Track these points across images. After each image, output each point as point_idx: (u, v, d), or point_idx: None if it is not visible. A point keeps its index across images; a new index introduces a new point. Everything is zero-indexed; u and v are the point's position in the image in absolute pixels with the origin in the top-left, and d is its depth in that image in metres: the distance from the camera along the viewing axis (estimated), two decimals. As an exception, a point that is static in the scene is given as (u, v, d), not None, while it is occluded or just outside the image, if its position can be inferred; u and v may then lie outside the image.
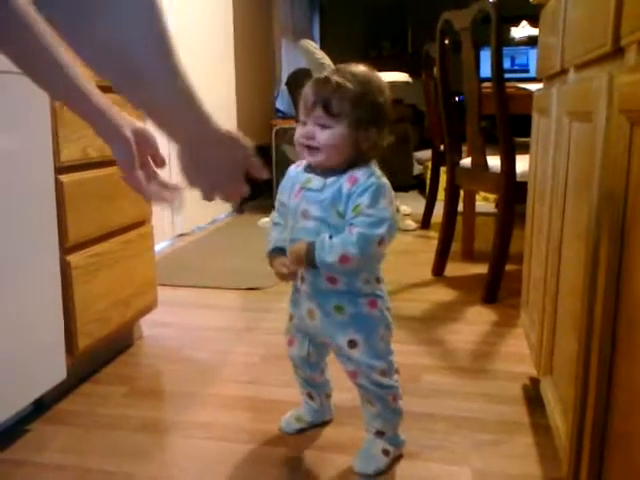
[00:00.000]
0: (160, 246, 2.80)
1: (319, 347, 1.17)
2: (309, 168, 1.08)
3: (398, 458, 1.15)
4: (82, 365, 1.45)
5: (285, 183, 1.13)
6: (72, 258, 1.32)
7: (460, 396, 1.42)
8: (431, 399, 1.40)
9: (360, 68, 1.04)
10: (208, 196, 0.78)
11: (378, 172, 1.04)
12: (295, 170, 1.12)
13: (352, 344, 1.08)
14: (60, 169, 1.28)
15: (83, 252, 1.36)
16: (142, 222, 1.63)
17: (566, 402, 0.97)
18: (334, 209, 1.02)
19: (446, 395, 1.42)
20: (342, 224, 1.02)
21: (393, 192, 1.05)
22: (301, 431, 1.25)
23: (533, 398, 1.39)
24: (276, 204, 1.16)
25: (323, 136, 1.00)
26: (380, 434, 1.14)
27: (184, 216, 3.16)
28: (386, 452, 1.14)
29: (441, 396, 1.42)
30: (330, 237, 1.01)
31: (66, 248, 1.30)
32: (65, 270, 1.30)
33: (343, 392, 1.28)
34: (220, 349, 1.72)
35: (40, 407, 1.34)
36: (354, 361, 1.08)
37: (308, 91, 1.02)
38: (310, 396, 1.25)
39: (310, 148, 1.02)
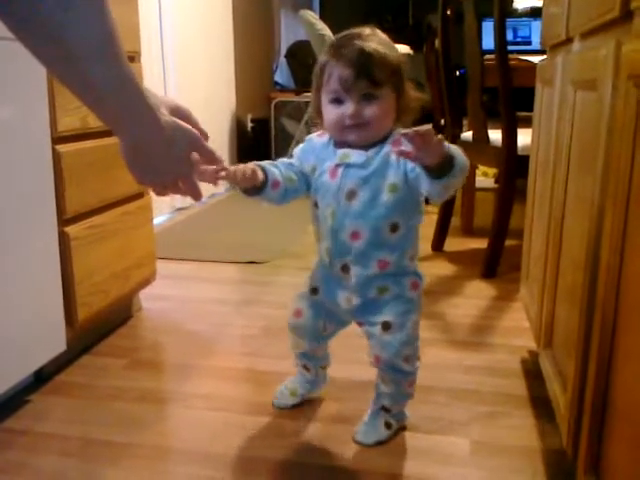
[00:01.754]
0: (159, 219, 2.79)
1: (339, 324, 1.15)
2: (339, 143, 1.01)
3: (399, 431, 1.15)
4: (82, 337, 1.45)
5: (307, 153, 1.05)
6: (70, 229, 1.31)
7: (459, 369, 1.42)
8: (431, 372, 1.40)
9: (371, 31, 1.00)
10: (159, 192, 0.77)
11: None
12: (319, 141, 1.05)
13: (386, 326, 1.04)
14: (57, 139, 1.26)
15: (82, 223, 1.35)
16: (141, 194, 1.62)
17: (566, 374, 0.97)
18: (385, 182, 0.97)
19: (445, 368, 1.43)
20: (395, 199, 0.97)
21: None
22: (295, 405, 1.23)
23: (532, 371, 1.40)
24: (282, 162, 1.05)
25: (372, 109, 0.96)
26: (386, 410, 1.14)
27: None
28: (388, 425, 1.14)
29: (441, 369, 1.42)
30: (395, 227, 0.99)
31: (64, 219, 1.29)
32: (63, 241, 1.29)
33: (347, 364, 1.29)
34: (219, 322, 1.72)
35: (40, 378, 1.34)
36: (383, 344, 1.05)
37: (342, 66, 0.95)
38: (306, 367, 1.23)
39: (357, 125, 0.96)
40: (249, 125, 4.12)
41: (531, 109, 1.54)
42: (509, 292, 1.92)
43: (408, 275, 1.05)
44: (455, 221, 2.56)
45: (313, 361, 1.22)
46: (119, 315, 1.66)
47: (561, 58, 1.17)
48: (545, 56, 1.50)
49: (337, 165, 1.00)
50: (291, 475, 1.05)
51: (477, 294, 1.94)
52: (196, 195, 0.80)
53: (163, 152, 0.70)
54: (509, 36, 3.28)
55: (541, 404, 1.25)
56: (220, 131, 3.73)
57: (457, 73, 2.69)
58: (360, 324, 1.10)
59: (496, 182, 3.78)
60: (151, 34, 2.75)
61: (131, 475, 1.04)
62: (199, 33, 3.37)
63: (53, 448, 1.12)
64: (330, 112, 0.98)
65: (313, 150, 1.05)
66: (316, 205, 1.05)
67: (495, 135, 2.11)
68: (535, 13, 3.47)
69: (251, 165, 0.96)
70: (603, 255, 0.78)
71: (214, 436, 1.15)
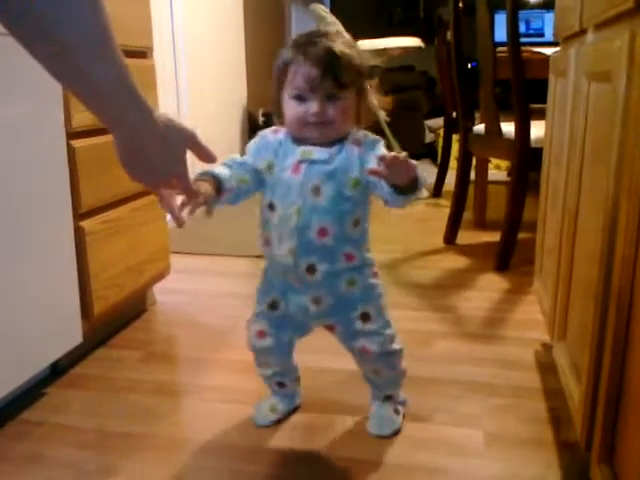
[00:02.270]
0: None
1: (302, 332, 1.11)
2: (298, 141, 1.00)
3: (404, 417, 1.17)
4: (97, 330, 1.47)
5: (262, 148, 1.03)
6: (86, 224, 1.33)
7: (472, 362, 1.42)
8: (444, 364, 1.41)
9: (331, 31, 1.01)
10: (153, 189, 0.77)
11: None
12: (274, 137, 1.03)
13: (365, 317, 1.05)
14: (72, 134, 1.27)
15: (96, 218, 1.36)
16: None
17: (580, 367, 0.97)
18: (348, 177, 0.98)
19: (459, 361, 1.43)
20: (357, 195, 0.99)
21: None
22: (277, 422, 1.17)
23: (545, 364, 1.39)
24: (231, 161, 1.03)
25: (336, 110, 0.96)
26: (388, 398, 1.15)
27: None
28: (397, 411, 1.16)
29: (454, 362, 1.43)
30: (357, 222, 1.01)
31: (80, 214, 1.31)
32: (79, 236, 1.30)
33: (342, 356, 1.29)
34: (232, 315, 1.73)
35: (56, 371, 1.36)
36: (367, 335, 1.05)
37: (309, 65, 0.94)
38: (281, 384, 1.18)
39: (320, 124, 0.96)
40: (260, 119, 4.12)
41: (543, 101, 1.54)
42: (522, 285, 1.91)
43: (368, 265, 1.07)
44: (467, 214, 2.55)
45: (287, 375, 1.18)
46: (134, 308, 1.68)
47: (575, 50, 1.16)
48: (558, 48, 1.49)
49: (300, 161, 0.98)
50: (303, 466, 1.06)
51: (490, 287, 1.94)
52: (190, 193, 0.80)
53: (157, 149, 0.70)
54: (521, 28, 3.26)
55: (554, 397, 1.25)
56: (231, 125, 3.74)
57: (468, 66, 2.68)
58: (331, 327, 1.08)
59: (508, 175, 3.77)
60: (162, 29, 2.75)
61: (147, 466, 1.06)
62: (210, 28, 3.38)
63: (69, 440, 1.14)
64: (292, 108, 0.97)
65: (268, 146, 1.02)
66: (271, 206, 1.01)
67: (508, 128, 2.10)
68: (548, 5, 3.44)
69: (204, 185, 0.92)
70: (618, 248, 0.77)
71: (228, 427, 1.16)
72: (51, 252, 1.23)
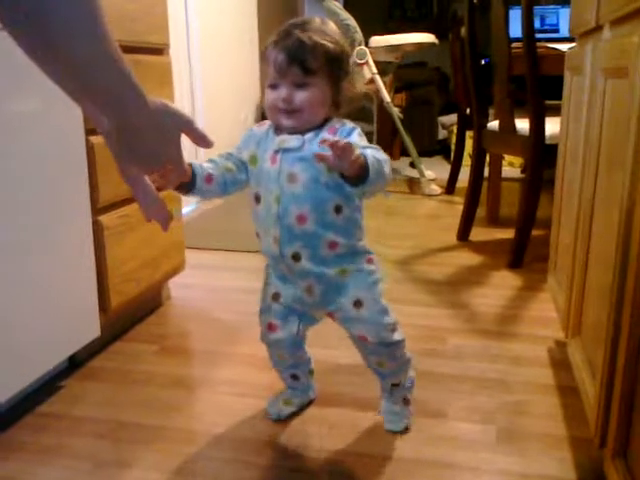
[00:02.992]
0: (186, 210, 2.82)
1: (309, 321, 1.12)
2: (278, 130, 1.00)
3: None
4: (114, 324, 1.49)
5: (248, 141, 1.04)
6: (103, 218, 1.34)
7: (486, 358, 1.43)
8: (457, 361, 1.41)
9: (317, 19, 1.00)
10: (146, 174, 0.77)
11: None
12: (259, 130, 1.04)
13: (358, 304, 1.04)
14: (90, 131, 1.29)
15: (114, 213, 1.38)
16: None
17: (594, 364, 0.97)
18: (322, 163, 0.95)
19: (472, 357, 1.43)
20: (333, 182, 0.96)
21: None
22: (292, 415, 1.19)
23: (559, 361, 1.39)
24: (222, 155, 1.04)
25: (303, 96, 0.95)
26: (396, 386, 1.15)
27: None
28: (406, 401, 1.16)
29: (467, 358, 1.43)
30: (339, 209, 0.99)
31: (98, 209, 1.32)
32: (97, 230, 1.32)
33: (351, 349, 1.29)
34: (245, 310, 1.73)
35: (74, 364, 1.38)
36: (363, 321, 1.04)
37: (277, 52, 0.95)
38: (294, 377, 1.19)
39: (289, 111, 0.96)
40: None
41: (557, 98, 1.53)
42: (535, 282, 1.91)
43: (360, 254, 1.05)
44: (481, 211, 2.55)
45: (300, 367, 1.19)
46: (149, 303, 1.70)
47: (591, 46, 1.16)
48: (573, 44, 1.48)
49: (276, 151, 0.99)
50: (315, 459, 1.07)
51: (503, 284, 1.94)
52: (185, 176, 0.81)
53: (151, 132, 0.69)
54: (536, 24, 3.24)
55: (568, 393, 1.25)
56: (244, 122, 3.75)
57: (482, 62, 2.67)
58: (331, 315, 1.08)
59: (522, 172, 3.75)
60: (177, 26, 2.77)
61: (162, 457, 1.07)
62: (224, 25, 3.39)
63: (87, 431, 1.15)
64: (267, 96, 0.99)
65: (253, 138, 1.04)
66: (257, 198, 1.02)
67: (522, 124, 2.09)
68: (563, 0, 3.42)
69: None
70: (633, 246, 0.77)
71: (241, 420, 1.18)
72: (70, 246, 1.25)
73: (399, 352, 1.09)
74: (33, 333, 1.16)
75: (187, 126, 0.74)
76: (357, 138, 0.97)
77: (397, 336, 1.08)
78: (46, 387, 1.29)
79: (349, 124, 1.00)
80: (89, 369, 1.38)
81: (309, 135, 0.98)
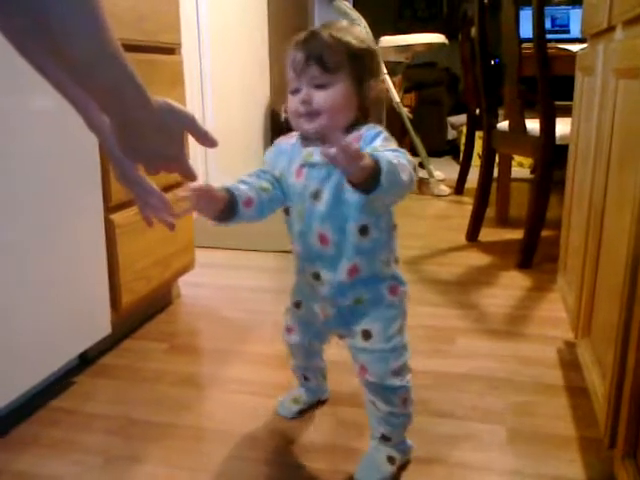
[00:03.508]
0: (195, 209, 2.83)
1: (323, 337, 1.09)
2: (305, 141, 0.94)
3: (406, 464, 1.04)
4: (125, 322, 1.50)
5: (276, 157, 0.98)
6: (115, 217, 1.36)
7: (495, 358, 1.43)
8: (466, 360, 1.41)
9: (343, 21, 0.96)
10: (151, 173, 0.75)
11: (380, 127, 0.92)
12: (287, 143, 0.98)
13: (366, 335, 0.96)
14: (102, 129, 1.30)
15: (125, 211, 1.39)
16: (181, 183, 1.65)
17: (604, 364, 0.97)
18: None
19: (481, 357, 1.43)
20: (358, 200, 0.89)
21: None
22: (300, 413, 1.19)
23: (568, 362, 1.39)
24: (256, 172, 0.98)
25: (322, 96, 0.88)
26: (386, 439, 1.02)
27: (218, 180, 3.19)
28: (392, 460, 1.01)
29: (476, 358, 1.43)
30: (364, 230, 0.91)
31: (110, 207, 1.34)
32: (109, 228, 1.33)
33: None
34: (255, 309, 1.75)
35: (85, 361, 1.39)
36: (366, 354, 0.97)
37: (295, 52, 0.90)
38: (306, 378, 1.19)
39: (309, 114, 0.89)
40: (283, 116, 4.14)
41: (567, 99, 1.53)
42: (545, 283, 1.91)
43: (384, 281, 0.97)
44: (490, 212, 2.55)
45: (311, 371, 1.18)
46: (159, 301, 1.71)
47: (602, 46, 1.16)
48: (584, 45, 1.48)
49: (302, 165, 0.93)
50: (326, 457, 1.07)
51: (512, 284, 1.93)
52: (190, 176, 0.78)
53: (153, 130, 0.68)
54: (547, 24, 3.23)
55: (577, 394, 1.25)
56: (254, 122, 3.76)
57: (492, 62, 2.67)
58: (341, 337, 1.04)
59: (532, 172, 3.74)
60: (188, 26, 2.78)
61: (172, 453, 1.08)
62: (234, 25, 3.40)
63: (99, 427, 1.17)
64: (289, 103, 0.92)
65: (282, 153, 0.98)
66: (286, 211, 0.98)
67: (532, 125, 2.09)
68: (574, 1, 3.41)
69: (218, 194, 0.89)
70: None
71: (250, 418, 1.18)
72: (82, 244, 1.26)
73: (397, 400, 0.99)
74: (45, 330, 1.17)
75: (190, 125, 0.73)
76: (380, 142, 0.88)
77: (399, 382, 0.97)
78: (58, 383, 1.30)
79: (375, 128, 0.91)
80: (100, 366, 1.40)
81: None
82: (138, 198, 0.83)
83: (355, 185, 0.80)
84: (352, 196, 0.89)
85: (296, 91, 0.91)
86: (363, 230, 0.92)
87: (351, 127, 0.92)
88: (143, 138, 0.68)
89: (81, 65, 0.59)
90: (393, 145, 0.89)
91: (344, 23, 0.95)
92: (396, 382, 0.97)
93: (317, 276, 0.96)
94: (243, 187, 0.93)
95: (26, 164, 1.09)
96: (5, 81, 1.02)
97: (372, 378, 0.97)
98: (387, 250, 0.97)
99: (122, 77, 0.62)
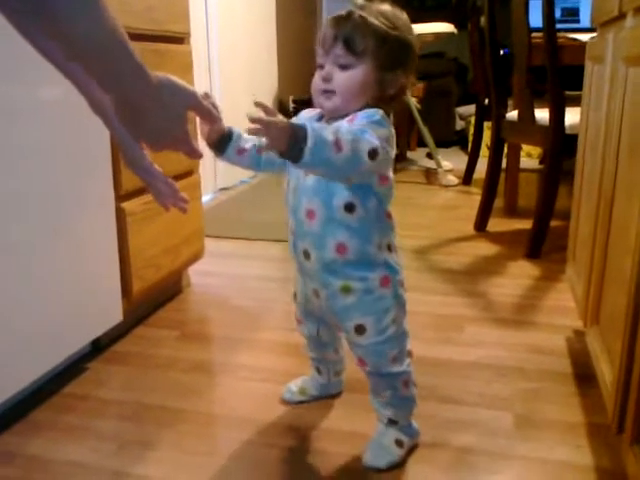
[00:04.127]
0: (203, 199, 2.85)
1: (330, 327, 1.08)
2: (324, 118, 0.94)
3: (413, 448, 1.05)
4: (136, 309, 1.52)
5: None
6: (126, 205, 1.37)
7: (503, 346, 1.43)
8: (475, 348, 1.42)
9: (386, 5, 0.92)
10: (154, 149, 0.74)
11: (381, 113, 0.89)
12: (307, 117, 0.98)
13: (360, 329, 0.96)
14: (114, 118, 1.31)
15: (136, 200, 1.40)
16: (190, 172, 1.66)
17: (613, 352, 0.98)
18: None
19: (489, 345, 1.44)
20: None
21: (394, 141, 0.90)
22: (301, 403, 1.20)
23: (577, 350, 1.40)
24: None
25: (342, 77, 0.88)
26: (392, 423, 1.03)
27: (226, 170, 3.19)
28: (399, 443, 1.03)
29: (484, 346, 1.44)
30: (350, 207, 0.90)
31: (121, 195, 1.35)
32: (120, 217, 1.35)
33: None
34: (264, 297, 1.76)
35: (97, 347, 1.41)
36: (362, 348, 0.98)
37: (326, 28, 0.89)
38: (319, 370, 1.19)
39: (326, 92, 0.89)
40: (291, 106, 4.14)
41: (576, 88, 1.53)
42: (553, 272, 1.91)
43: (375, 269, 0.95)
44: (498, 202, 2.54)
45: (324, 365, 1.18)
46: (170, 289, 1.72)
47: (612, 34, 1.16)
48: (593, 34, 1.47)
49: None
50: (334, 443, 1.08)
51: (521, 274, 1.94)
52: (195, 154, 0.77)
53: (155, 109, 0.68)
54: (557, 14, 3.21)
55: (585, 381, 1.25)
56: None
57: (501, 52, 2.66)
58: (337, 327, 1.04)
59: (540, 163, 3.73)
60: (196, 16, 2.78)
61: (185, 438, 1.10)
62: (243, 15, 3.40)
63: (112, 412, 1.18)
64: (314, 77, 0.92)
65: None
66: (287, 184, 0.99)
67: (541, 114, 2.08)
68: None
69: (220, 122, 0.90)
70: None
71: (259, 405, 1.20)
72: (94, 233, 1.27)
73: (398, 383, 1.00)
74: (58, 317, 1.19)
75: (193, 101, 0.72)
76: (364, 121, 0.86)
77: (397, 368, 0.99)
78: (71, 369, 1.32)
79: (375, 113, 0.88)
80: (112, 353, 1.41)
81: (329, 121, 0.91)
82: (149, 185, 0.84)
83: (280, 153, 0.79)
84: None
85: (321, 67, 0.91)
86: (349, 207, 0.91)
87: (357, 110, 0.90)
88: (144, 115, 0.68)
89: (80, 41, 0.59)
90: (374, 128, 0.85)
91: (387, 7, 0.92)
92: (395, 368, 0.99)
93: (307, 254, 0.96)
94: (246, 137, 0.96)
95: (38, 154, 1.11)
96: (14, 71, 1.03)
97: (372, 369, 0.99)
98: (378, 233, 0.95)
99: (120, 53, 0.62)
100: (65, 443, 1.09)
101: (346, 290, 0.95)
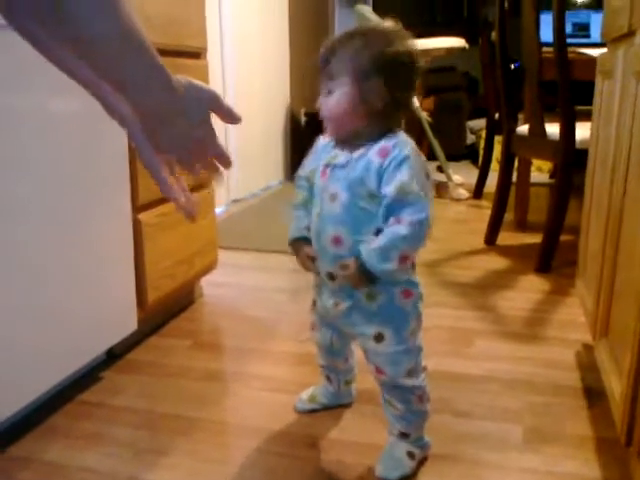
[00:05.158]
0: (217, 211, 2.88)
1: (343, 336, 1.09)
2: (336, 143, 0.97)
3: (424, 461, 1.06)
4: (150, 319, 1.54)
5: (312, 156, 1.03)
6: (142, 216, 1.40)
7: (513, 360, 1.44)
8: (484, 362, 1.43)
9: (387, 23, 0.95)
10: (185, 163, 0.71)
11: (411, 142, 0.93)
12: (323, 143, 1.01)
13: (379, 338, 0.98)
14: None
15: (152, 211, 1.43)
16: (204, 184, 1.69)
17: (622, 365, 0.99)
18: (363, 188, 0.91)
19: (499, 359, 1.45)
20: (374, 207, 0.91)
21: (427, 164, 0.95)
22: (313, 411, 1.21)
23: (586, 364, 1.40)
24: (296, 180, 1.06)
25: (327, 103, 0.93)
26: (404, 436, 1.04)
27: (239, 182, 3.23)
28: (411, 455, 1.04)
29: (494, 360, 1.45)
30: (376, 233, 0.92)
31: (137, 207, 1.38)
32: (136, 227, 1.38)
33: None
34: (276, 309, 1.78)
35: (112, 356, 1.43)
36: (380, 356, 0.99)
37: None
38: (329, 379, 1.20)
39: (325, 119, 0.94)
40: (303, 119, 4.18)
41: (587, 103, 1.54)
42: (563, 287, 1.92)
43: (398, 284, 0.97)
44: (508, 216, 2.56)
45: (334, 373, 1.19)
46: (183, 300, 1.75)
47: (622, 50, 1.17)
48: (604, 49, 1.49)
49: (326, 166, 0.97)
50: (346, 453, 1.10)
51: (531, 288, 1.95)
52: (225, 159, 0.73)
53: (178, 114, 0.65)
54: (568, 29, 3.23)
55: (595, 395, 1.26)
56: (274, 125, 3.80)
57: (512, 67, 2.68)
58: (354, 337, 1.05)
59: (551, 177, 3.74)
60: (211, 32, 2.83)
61: (199, 446, 1.11)
62: (256, 29, 3.44)
63: (126, 420, 1.20)
64: None
65: (316, 152, 1.02)
66: (314, 206, 1.01)
67: (552, 129, 2.10)
68: (595, 5, 3.41)
69: (306, 254, 1.02)
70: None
71: (272, 414, 1.21)
72: (111, 243, 1.30)
73: (413, 398, 1.01)
74: (74, 326, 1.21)
75: (214, 101, 0.70)
76: (407, 176, 0.89)
77: (411, 382, 1.00)
78: (86, 378, 1.34)
79: (405, 148, 0.91)
80: (126, 361, 1.44)
81: (358, 153, 0.93)
82: (170, 196, 0.82)
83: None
84: (366, 203, 0.92)
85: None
86: (379, 233, 0.92)
87: (381, 135, 0.93)
88: (170, 122, 0.65)
89: (102, 46, 0.56)
90: (422, 176, 0.91)
91: (368, 26, 0.96)
92: (410, 382, 1.00)
93: (331, 276, 0.98)
94: (303, 220, 1.03)
95: (57, 165, 1.13)
96: (33, 81, 1.05)
97: (387, 379, 1.00)
98: None
99: (145, 58, 0.59)
100: (81, 449, 1.11)
101: (370, 297, 0.97)
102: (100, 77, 0.62)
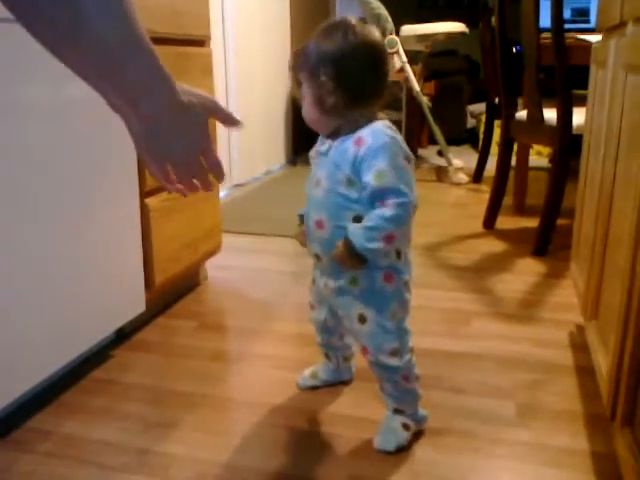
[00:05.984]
0: (220, 194, 2.92)
1: (337, 314, 1.12)
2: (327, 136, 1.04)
3: (419, 434, 1.11)
4: (157, 300, 1.59)
5: (315, 146, 1.09)
6: (150, 201, 1.44)
7: (508, 340, 1.49)
8: (480, 341, 1.48)
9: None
10: (182, 173, 0.68)
11: (387, 130, 0.96)
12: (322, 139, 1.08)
13: (362, 319, 1.03)
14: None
15: (159, 196, 1.48)
16: (209, 170, 1.73)
17: (609, 345, 1.04)
18: (341, 174, 0.96)
19: (494, 338, 1.50)
20: (352, 193, 0.96)
21: (405, 146, 0.98)
22: (315, 388, 1.27)
23: (578, 344, 1.46)
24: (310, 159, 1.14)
25: (304, 110, 1.01)
26: (399, 412, 1.10)
27: (241, 167, 3.27)
28: (406, 426, 1.09)
29: (489, 339, 1.50)
30: (358, 219, 0.96)
31: (145, 192, 1.42)
32: (144, 212, 1.42)
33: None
34: (279, 290, 1.83)
35: (122, 336, 1.49)
36: (363, 337, 1.05)
37: None
38: (327, 356, 1.26)
39: None
40: (304, 104, 4.20)
41: (585, 87, 1.58)
42: (559, 270, 1.96)
43: (380, 269, 1.01)
44: (507, 200, 2.60)
45: (332, 351, 1.24)
46: (188, 282, 1.80)
47: (615, 41, 1.21)
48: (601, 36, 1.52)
49: (317, 152, 1.05)
50: (344, 426, 1.15)
51: (527, 271, 1.99)
52: (219, 172, 0.71)
53: (179, 121, 0.64)
54: (567, 14, 3.25)
55: (585, 373, 1.31)
56: (276, 111, 3.83)
57: (514, 50, 2.69)
58: (341, 318, 1.10)
59: (550, 162, 3.76)
60: (214, 20, 2.85)
61: (206, 419, 1.17)
62: (258, 16, 3.46)
63: (136, 396, 1.26)
64: None
65: (318, 142, 1.08)
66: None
67: (550, 114, 2.13)
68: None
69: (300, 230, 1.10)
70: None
71: (274, 390, 1.27)
72: (120, 227, 1.35)
73: (398, 377, 1.06)
74: (85, 306, 1.26)
75: (214, 108, 0.69)
76: (384, 163, 0.93)
77: (395, 362, 1.04)
78: (97, 356, 1.40)
79: (380, 137, 0.95)
80: (136, 341, 1.49)
81: (337, 141, 0.99)
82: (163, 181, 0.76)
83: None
84: (344, 188, 0.97)
85: None
86: (357, 219, 0.97)
87: (360, 126, 0.97)
88: (172, 129, 0.64)
89: (109, 48, 0.57)
90: (400, 160, 0.95)
91: (330, 22, 1.00)
92: (393, 362, 1.04)
93: (317, 257, 1.06)
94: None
95: (67, 152, 1.17)
96: (40, 70, 1.08)
97: (371, 357, 1.05)
98: None
99: (149, 62, 0.59)
100: (94, 423, 1.16)
101: (353, 282, 1.03)
102: (101, 77, 0.62)
